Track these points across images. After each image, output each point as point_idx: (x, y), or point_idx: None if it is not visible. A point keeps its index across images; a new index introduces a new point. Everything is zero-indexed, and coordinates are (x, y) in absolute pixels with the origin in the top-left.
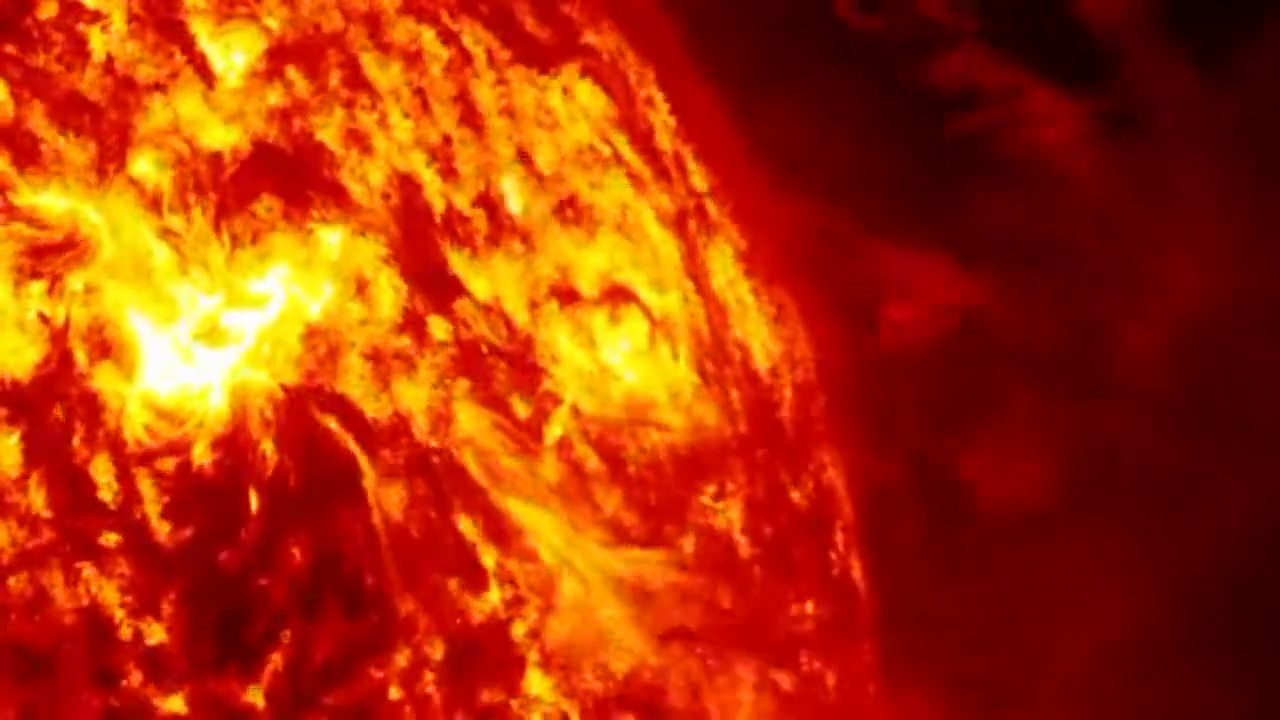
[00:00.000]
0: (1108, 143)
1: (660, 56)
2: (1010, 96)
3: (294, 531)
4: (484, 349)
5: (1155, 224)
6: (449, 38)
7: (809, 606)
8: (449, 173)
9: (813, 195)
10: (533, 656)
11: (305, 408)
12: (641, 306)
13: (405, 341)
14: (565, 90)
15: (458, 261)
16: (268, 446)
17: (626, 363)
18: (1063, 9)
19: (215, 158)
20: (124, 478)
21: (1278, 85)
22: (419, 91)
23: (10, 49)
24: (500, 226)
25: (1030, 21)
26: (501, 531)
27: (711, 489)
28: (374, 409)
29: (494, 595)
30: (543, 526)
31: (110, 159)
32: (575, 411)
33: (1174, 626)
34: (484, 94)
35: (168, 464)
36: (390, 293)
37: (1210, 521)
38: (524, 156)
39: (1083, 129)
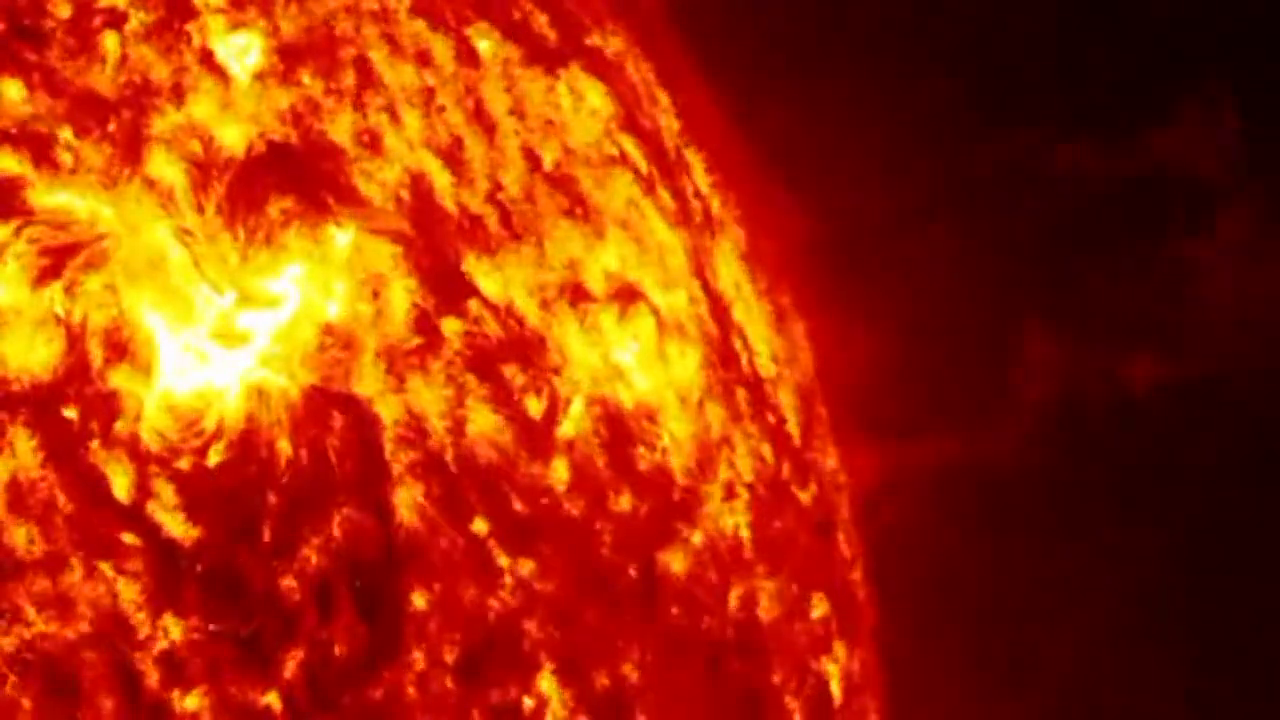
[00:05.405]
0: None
1: (664, 57)
2: None
3: (310, 532)
4: (496, 349)
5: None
6: (459, 38)
7: (814, 607)
8: (460, 172)
9: (814, 195)
10: (545, 656)
11: (320, 408)
12: (650, 306)
13: (418, 341)
14: (573, 90)
15: (469, 261)
16: (284, 447)
17: (635, 362)
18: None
19: (230, 158)
20: (141, 477)
21: None
22: (430, 91)
23: (25, 49)
24: (511, 226)
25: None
26: (514, 531)
27: (719, 489)
28: (388, 409)
29: (507, 595)
30: (554, 526)
31: (126, 159)
32: (586, 411)
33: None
34: (493, 94)
35: (185, 464)
36: (403, 293)
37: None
38: (533, 156)
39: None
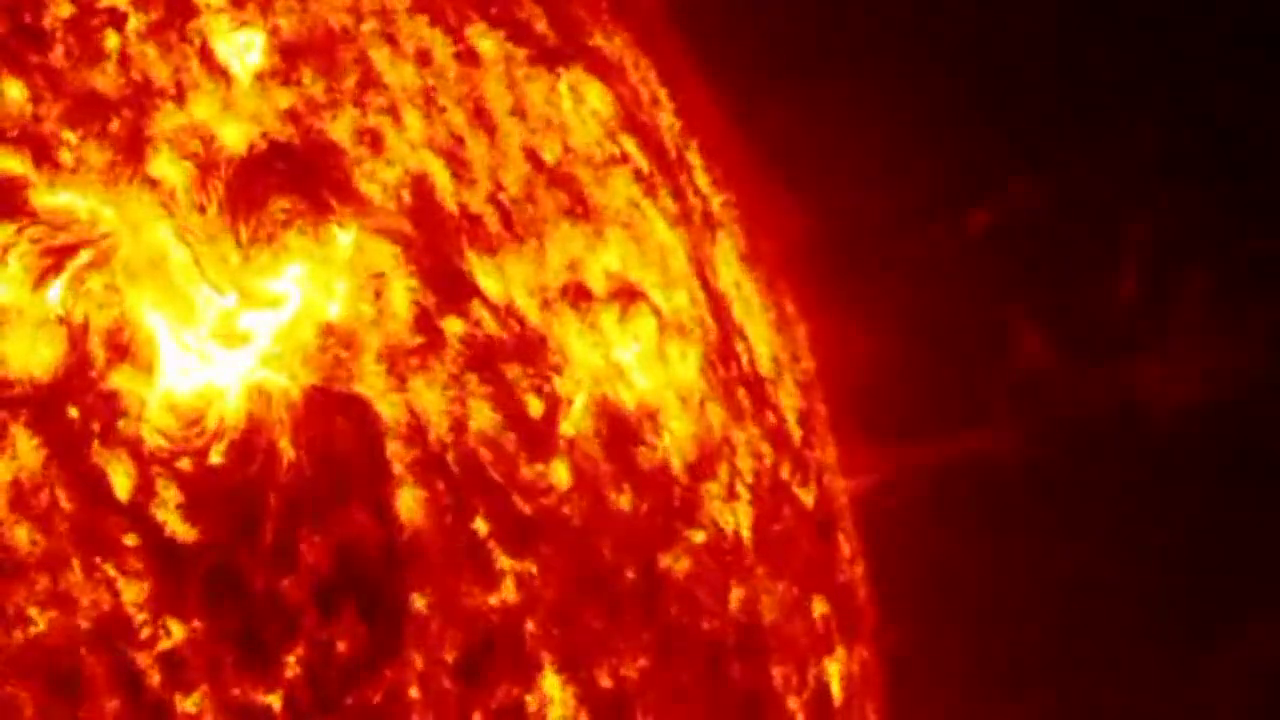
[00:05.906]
0: None
1: (664, 57)
2: None
3: (311, 532)
4: (497, 349)
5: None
6: (460, 38)
7: (816, 607)
8: (461, 172)
9: (814, 195)
10: (547, 656)
11: (322, 409)
12: (651, 306)
13: (420, 341)
14: (574, 90)
15: (470, 261)
16: (285, 447)
17: (636, 362)
18: None
19: (231, 157)
20: (143, 478)
21: None
22: (431, 91)
23: (26, 49)
24: (511, 226)
25: None
26: (515, 531)
27: (720, 489)
28: (390, 410)
29: (509, 595)
30: (555, 526)
31: (128, 159)
32: (587, 411)
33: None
34: (494, 94)
35: (186, 464)
36: (404, 293)
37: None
38: (534, 156)
39: None
